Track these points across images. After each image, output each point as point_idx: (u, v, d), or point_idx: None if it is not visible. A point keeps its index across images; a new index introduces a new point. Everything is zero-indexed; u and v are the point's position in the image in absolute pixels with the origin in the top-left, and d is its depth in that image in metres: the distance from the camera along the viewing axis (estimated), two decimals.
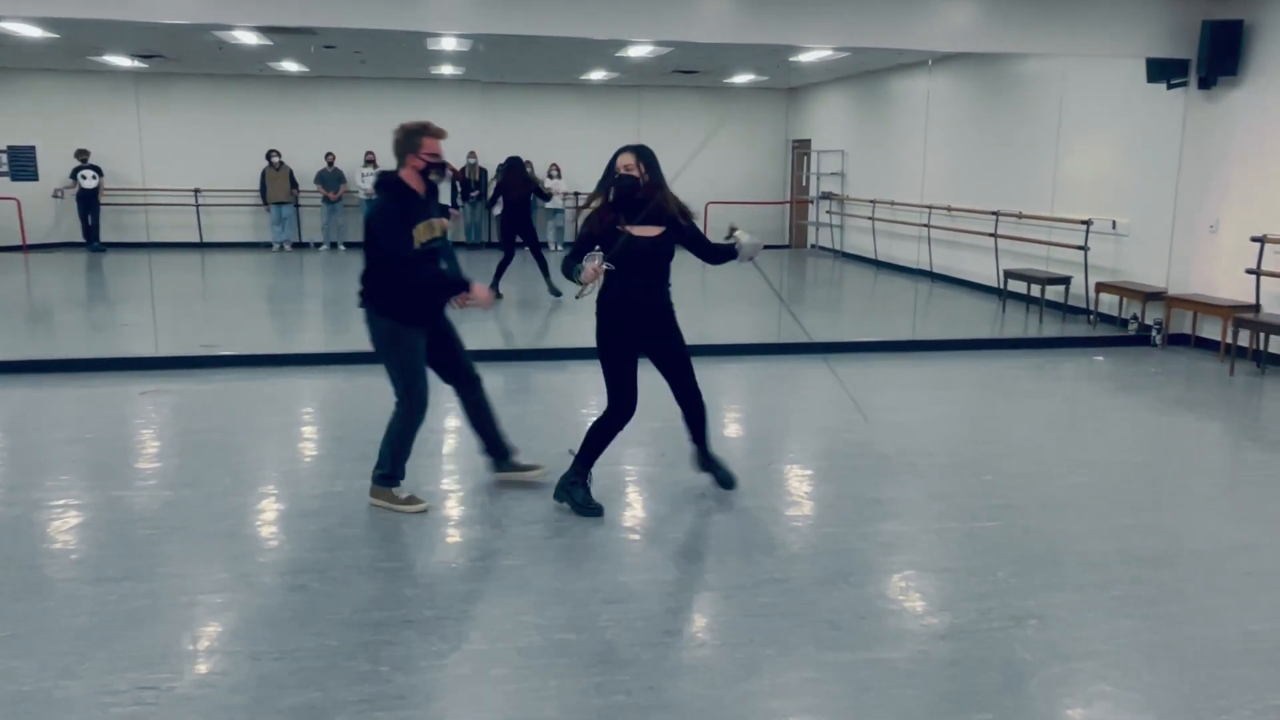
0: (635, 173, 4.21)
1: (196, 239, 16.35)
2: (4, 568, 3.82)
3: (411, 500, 4.50)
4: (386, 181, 4.37)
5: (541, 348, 8.56)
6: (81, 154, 15.57)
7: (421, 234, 4.27)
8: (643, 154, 4.26)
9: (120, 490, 4.76)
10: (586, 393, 7.02)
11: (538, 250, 10.72)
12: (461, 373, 4.67)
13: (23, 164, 15.74)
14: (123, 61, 14.33)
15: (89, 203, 15.63)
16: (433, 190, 4.45)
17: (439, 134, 4.38)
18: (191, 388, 6.84)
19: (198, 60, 14.15)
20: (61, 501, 4.59)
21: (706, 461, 4.74)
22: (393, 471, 4.48)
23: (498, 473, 4.85)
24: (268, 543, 4.18)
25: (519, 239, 10.65)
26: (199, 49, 12.65)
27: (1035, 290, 10.31)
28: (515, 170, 10.90)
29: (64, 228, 15.99)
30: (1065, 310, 10.06)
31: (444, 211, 4.60)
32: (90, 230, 15.72)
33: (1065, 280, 9.99)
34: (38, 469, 5.06)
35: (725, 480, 4.74)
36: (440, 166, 4.39)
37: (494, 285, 10.43)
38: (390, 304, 4.28)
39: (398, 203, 4.28)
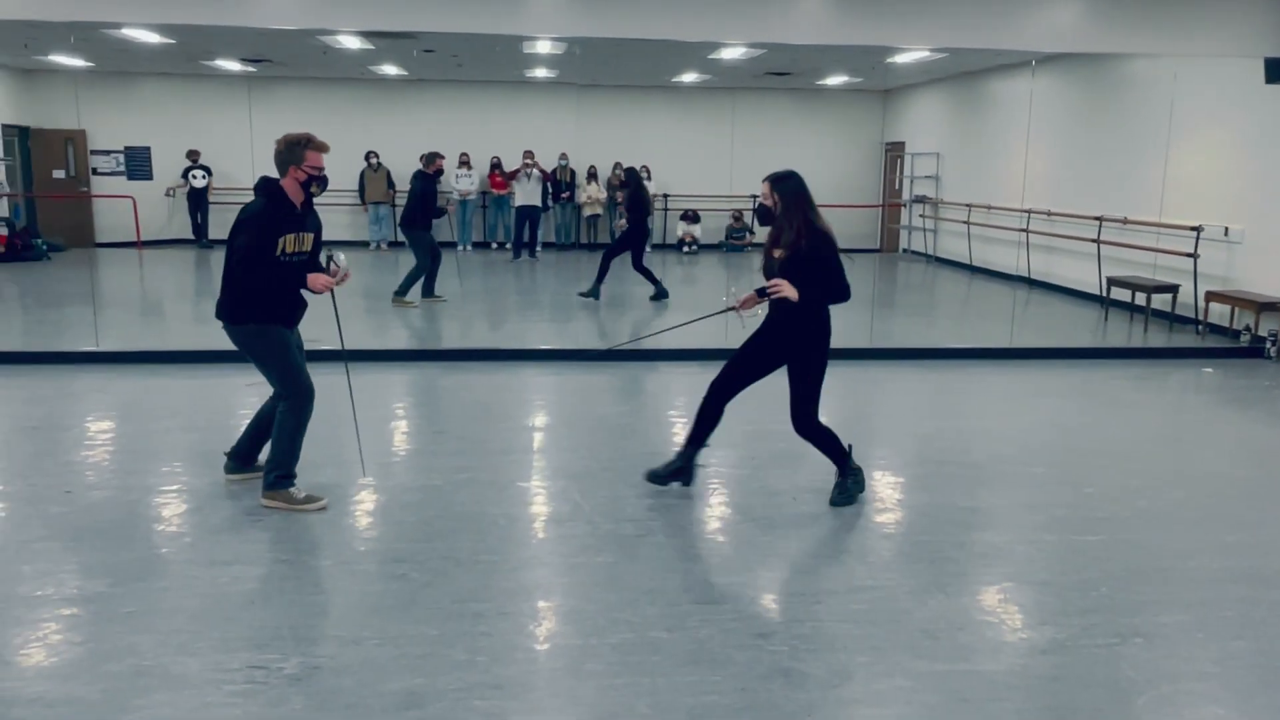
0: (769, 202, 4.47)
1: None
2: (125, 549, 4.02)
3: (310, 499, 4.47)
4: (267, 187, 4.32)
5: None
6: (192, 154, 16.25)
7: (290, 244, 4.29)
8: (777, 183, 4.48)
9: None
10: (672, 392, 7.05)
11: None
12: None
13: (138, 164, 16.52)
14: (233, 66, 14.91)
15: (198, 201, 16.30)
16: (309, 204, 4.42)
17: (322, 147, 4.34)
18: None
19: (303, 64, 14.64)
20: (175, 486, 4.80)
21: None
22: (289, 471, 4.45)
23: (234, 475, 4.75)
24: (368, 532, 4.31)
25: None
26: (305, 53, 13.09)
27: (1140, 298, 9.96)
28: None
29: (175, 225, 16.70)
30: (1172, 320, 9.69)
31: (317, 225, 4.56)
32: (199, 228, 16.39)
33: (1173, 288, 9.63)
34: (153, 455, 5.30)
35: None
36: (322, 180, 4.35)
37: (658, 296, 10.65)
38: (249, 310, 4.30)
39: (272, 208, 4.26)
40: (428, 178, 10.46)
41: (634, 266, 10.73)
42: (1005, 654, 3.27)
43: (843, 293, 4.41)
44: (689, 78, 15.76)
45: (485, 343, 8.93)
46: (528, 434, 5.88)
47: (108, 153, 16.44)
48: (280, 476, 4.44)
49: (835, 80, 15.94)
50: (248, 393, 6.73)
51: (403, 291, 10.35)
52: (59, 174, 16.06)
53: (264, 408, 4.69)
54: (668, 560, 3.99)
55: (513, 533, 4.28)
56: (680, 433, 6.05)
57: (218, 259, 15.87)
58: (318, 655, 3.17)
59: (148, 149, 16.52)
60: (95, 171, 16.36)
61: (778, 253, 4.41)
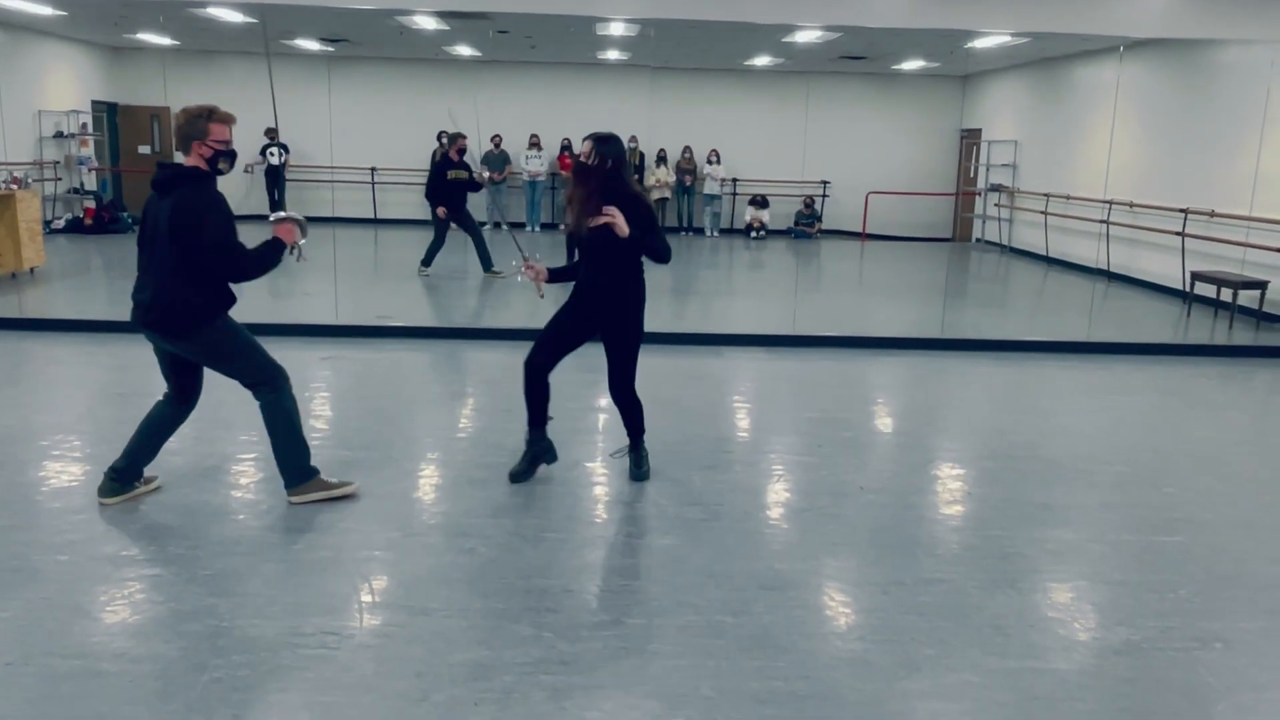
0: (588, 160, 4.30)
1: (371, 215, 17.18)
2: (204, 514, 4.14)
3: (342, 482, 4.34)
4: (188, 173, 3.85)
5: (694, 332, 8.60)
6: (270, 132, 16.57)
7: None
8: (600, 144, 4.31)
9: None
10: (738, 378, 7.02)
11: None
12: (193, 394, 4.27)
13: None
14: (312, 45, 15.17)
15: (275, 178, 16.64)
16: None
17: (227, 119, 3.94)
18: (367, 355, 7.22)
19: (380, 44, 14.84)
20: (252, 455, 4.92)
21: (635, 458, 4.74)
22: (309, 461, 4.25)
23: (113, 497, 4.18)
24: (437, 506, 4.37)
25: None
26: (382, 33, 13.25)
27: (1226, 294, 9.62)
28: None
29: (252, 201, 17.07)
30: (1259, 317, 9.35)
31: None
32: (276, 204, 16.72)
33: (1262, 285, 9.28)
34: (230, 424, 5.43)
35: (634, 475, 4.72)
36: (230, 155, 3.94)
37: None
38: (210, 311, 3.95)
39: (217, 192, 3.87)
40: (445, 159, 11.09)
41: None
42: (1078, 653, 3.19)
43: (664, 251, 4.28)
44: (762, 61, 15.61)
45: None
46: (594, 415, 5.90)
47: None
48: (304, 469, 4.24)
49: (912, 65, 15.65)
50: (321, 366, 6.88)
51: (488, 266, 11.03)
52: (144, 149, 16.53)
53: (172, 413, 4.25)
54: (733, 545, 3.98)
55: (578, 512, 4.31)
56: (745, 418, 6.03)
57: None
58: (387, 624, 3.23)
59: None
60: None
61: (593, 220, 4.20)
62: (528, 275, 4.48)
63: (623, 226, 4.12)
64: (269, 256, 4.01)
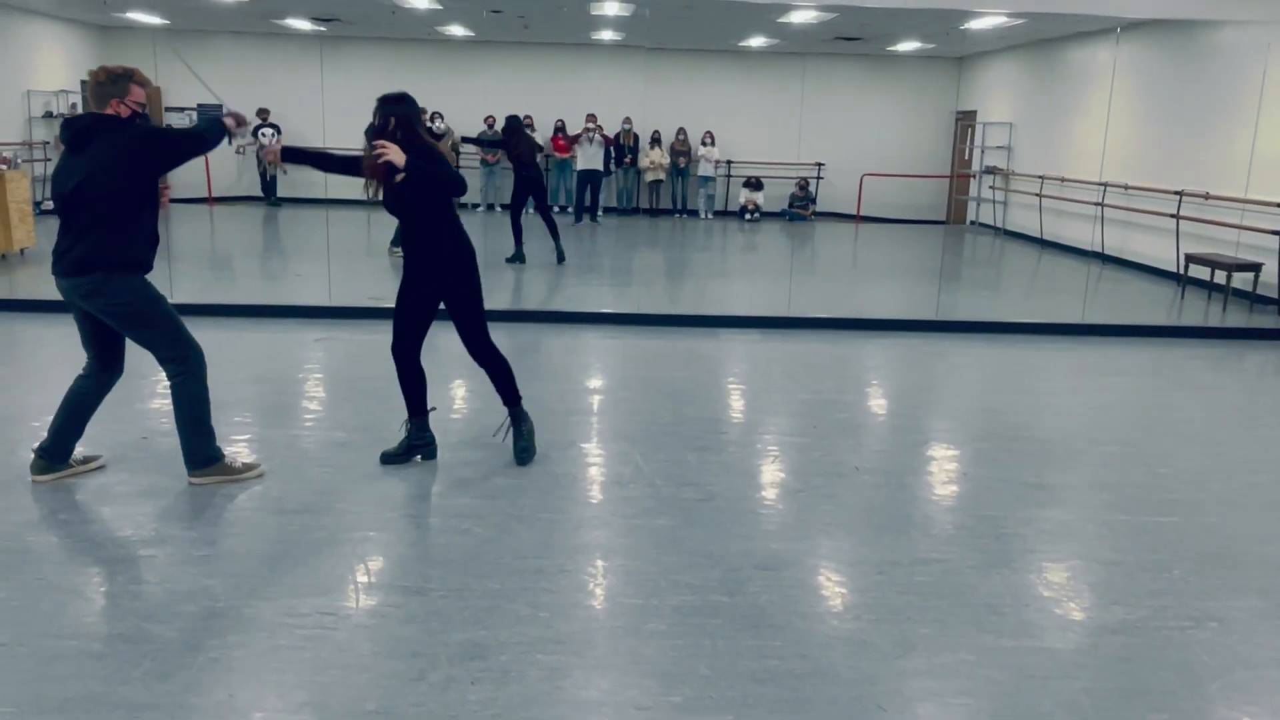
0: (379, 121, 4.19)
1: (364, 197, 17.07)
2: (198, 494, 4.13)
3: (248, 466, 4.32)
4: (110, 120, 3.86)
5: (688, 314, 8.58)
6: (262, 113, 16.46)
7: None
8: (384, 104, 4.19)
9: (296, 430, 5.06)
10: (732, 359, 7.01)
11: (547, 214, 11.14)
12: (115, 362, 4.23)
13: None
14: (304, 25, 15.04)
15: None
16: None
17: (146, 83, 3.97)
18: (360, 336, 7.19)
19: (373, 24, 14.72)
20: (246, 436, 4.91)
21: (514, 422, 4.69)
22: (215, 443, 4.23)
23: (45, 475, 4.19)
24: (431, 487, 4.36)
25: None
26: (374, 12, 13.15)
27: (1220, 277, 9.63)
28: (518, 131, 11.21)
29: (245, 182, 16.98)
30: (1253, 300, 9.36)
31: None
32: (268, 185, 16.64)
33: (1255, 267, 9.29)
34: (222, 406, 5.40)
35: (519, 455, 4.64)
36: (145, 119, 3.99)
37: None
38: (135, 253, 3.90)
39: (146, 122, 3.96)
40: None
41: (512, 217, 10.90)
42: (1073, 632, 3.21)
43: (453, 179, 4.14)
44: (757, 42, 15.53)
45: (545, 305, 8.97)
46: (589, 396, 5.90)
47: (181, 110, 16.71)
48: (207, 456, 4.21)
49: (907, 46, 15.58)
50: (315, 347, 6.86)
51: (396, 242, 10.97)
52: None
53: (96, 386, 4.22)
54: (728, 525, 3.98)
55: (574, 492, 4.31)
56: (740, 399, 6.03)
57: (286, 216, 16.16)
58: (383, 604, 3.23)
59: (220, 107, 16.75)
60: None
61: (399, 177, 4.11)
62: (265, 156, 4.47)
63: (397, 155, 3.95)
64: (211, 129, 4.16)
